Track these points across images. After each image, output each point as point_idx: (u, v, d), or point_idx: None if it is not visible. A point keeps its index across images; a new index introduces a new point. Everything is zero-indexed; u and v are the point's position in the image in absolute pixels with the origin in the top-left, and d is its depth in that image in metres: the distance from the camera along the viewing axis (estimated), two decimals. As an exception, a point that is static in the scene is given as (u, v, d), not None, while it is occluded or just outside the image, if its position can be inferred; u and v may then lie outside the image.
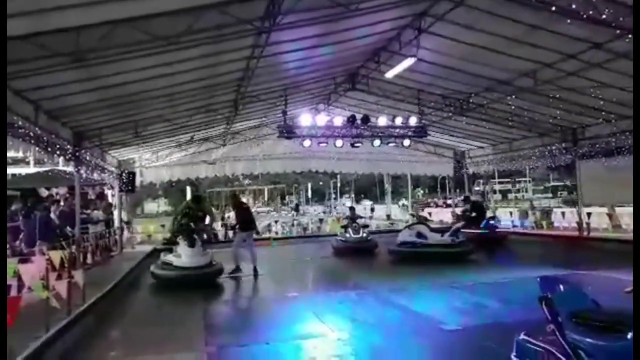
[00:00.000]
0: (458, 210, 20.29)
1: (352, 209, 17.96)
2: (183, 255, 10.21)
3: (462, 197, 20.22)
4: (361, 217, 17.06)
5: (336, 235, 16.12)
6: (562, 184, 60.27)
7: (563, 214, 19.49)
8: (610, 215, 17.06)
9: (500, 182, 61.48)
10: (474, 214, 16.83)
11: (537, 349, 3.19)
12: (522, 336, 3.44)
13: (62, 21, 5.99)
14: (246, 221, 11.85)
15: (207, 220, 11.56)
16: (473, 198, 20.47)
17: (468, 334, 6.03)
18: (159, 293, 9.97)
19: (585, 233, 16.16)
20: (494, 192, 31.44)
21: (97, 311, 7.65)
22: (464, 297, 8.15)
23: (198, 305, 8.47)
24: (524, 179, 68.51)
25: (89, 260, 11.79)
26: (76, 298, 6.95)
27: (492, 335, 5.73)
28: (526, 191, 69.44)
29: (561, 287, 3.33)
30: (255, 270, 11.17)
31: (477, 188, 54.31)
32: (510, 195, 65.11)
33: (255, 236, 12.02)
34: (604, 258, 12.01)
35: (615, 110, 13.09)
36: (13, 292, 5.57)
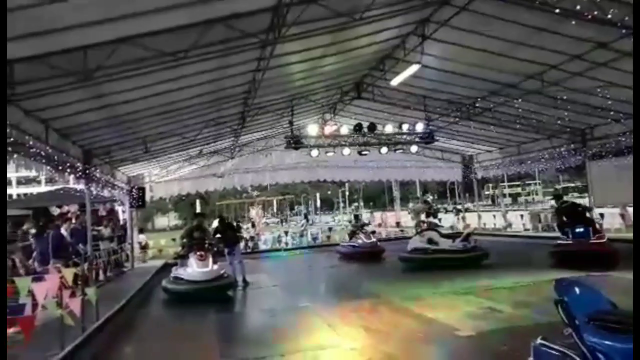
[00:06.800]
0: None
1: (357, 216, 18.22)
2: (193, 269, 10.22)
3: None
4: (367, 224, 17.47)
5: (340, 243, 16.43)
6: (572, 185, 59.80)
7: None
8: (623, 215, 16.85)
9: (509, 186, 61.07)
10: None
11: (555, 352, 3.15)
12: (538, 340, 3.38)
13: (69, 41, 6.09)
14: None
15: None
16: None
17: (483, 339, 5.96)
18: (172, 307, 9.99)
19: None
20: (504, 196, 31.22)
21: (111, 327, 7.67)
22: (477, 303, 8.08)
23: (211, 318, 8.50)
24: (533, 181, 68.11)
25: (102, 277, 11.84)
26: (90, 315, 6.98)
27: (508, 340, 5.68)
28: (536, 194, 68.97)
29: (577, 289, 3.27)
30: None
31: (487, 192, 53.99)
32: (521, 199, 64.66)
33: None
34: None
35: (624, 109, 12.98)
36: (27, 311, 5.60)
